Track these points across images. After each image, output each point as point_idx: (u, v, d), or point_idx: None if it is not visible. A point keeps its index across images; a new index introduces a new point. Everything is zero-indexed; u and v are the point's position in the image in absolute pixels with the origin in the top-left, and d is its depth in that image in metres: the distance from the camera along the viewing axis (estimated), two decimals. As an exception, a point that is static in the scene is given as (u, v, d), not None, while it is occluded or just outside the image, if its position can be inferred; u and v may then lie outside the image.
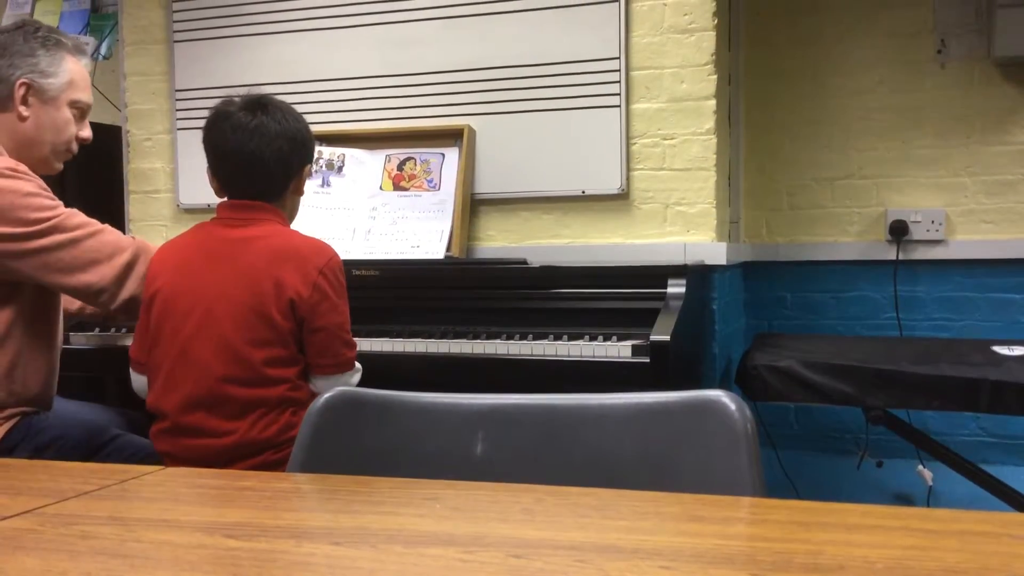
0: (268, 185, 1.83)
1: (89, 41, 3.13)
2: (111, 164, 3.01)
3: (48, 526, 0.81)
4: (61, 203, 1.80)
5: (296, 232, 1.86)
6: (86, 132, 1.95)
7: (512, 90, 2.56)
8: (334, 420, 1.10)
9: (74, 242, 1.76)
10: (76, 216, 1.80)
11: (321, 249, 1.78)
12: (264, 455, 1.72)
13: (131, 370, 1.86)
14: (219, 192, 1.87)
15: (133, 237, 1.87)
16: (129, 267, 1.81)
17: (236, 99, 1.85)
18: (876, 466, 2.92)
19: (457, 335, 2.19)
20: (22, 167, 1.79)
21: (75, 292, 1.82)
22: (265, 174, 1.81)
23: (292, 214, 1.93)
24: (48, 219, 1.75)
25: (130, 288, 1.81)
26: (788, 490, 2.93)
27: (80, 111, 1.93)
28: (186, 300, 1.74)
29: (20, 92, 1.84)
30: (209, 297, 1.73)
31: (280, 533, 0.80)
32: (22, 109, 1.85)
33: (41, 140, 1.88)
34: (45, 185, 1.81)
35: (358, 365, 1.86)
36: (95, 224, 1.82)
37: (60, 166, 1.95)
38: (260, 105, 1.82)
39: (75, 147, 1.95)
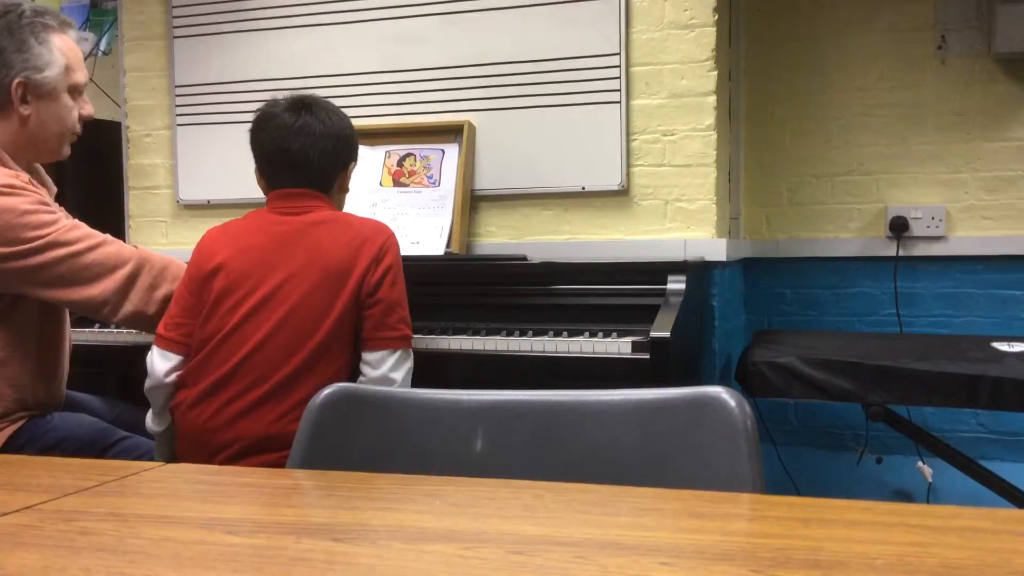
0: (314, 183, 1.88)
1: (88, 36, 3.13)
2: (111, 160, 3.01)
3: (48, 522, 0.81)
4: (61, 215, 1.78)
5: (353, 214, 1.93)
6: (88, 109, 1.91)
7: (512, 86, 2.56)
8: (334, 416, 1.10)
9: (74, 256, 1.75)
10: (76, 229, 1.78)
11: (381, 227, 1.86)
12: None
13: (154, 347, 1.84)
14: (267, 191, 1.93)
15: (135, 247, 1.86)
16: (132, 279, 1.79)
17: (281, 100, 1.91)
18: (876, 462, 2.92)
19: (457, 331, 2.19)
20: (21, 179, 1.77)
21: (78, 306, 1.80)
22: (310, 173, 1.87)
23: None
24: (46, 235, 1.73)
25: (133, 300, 1.79)
26: (788, 486, 2.93)
27: (79, 91, 1.89)
28: (251, 279, 1.77)
29: (18, 93, 1.79)
30: (277, 277, 1.76)
31: (280, 529, 0.80)
32: (22, 109, 1.80)
33: (47, 134, 1.85)
34: (45, 199, 1.79)
35: (410, 360, 1.86)
36: (96, 236, 1.80)
37: (67, 151, 1.92)
38: (304, 105, 1.89)
39: (79, 128, 1.91)
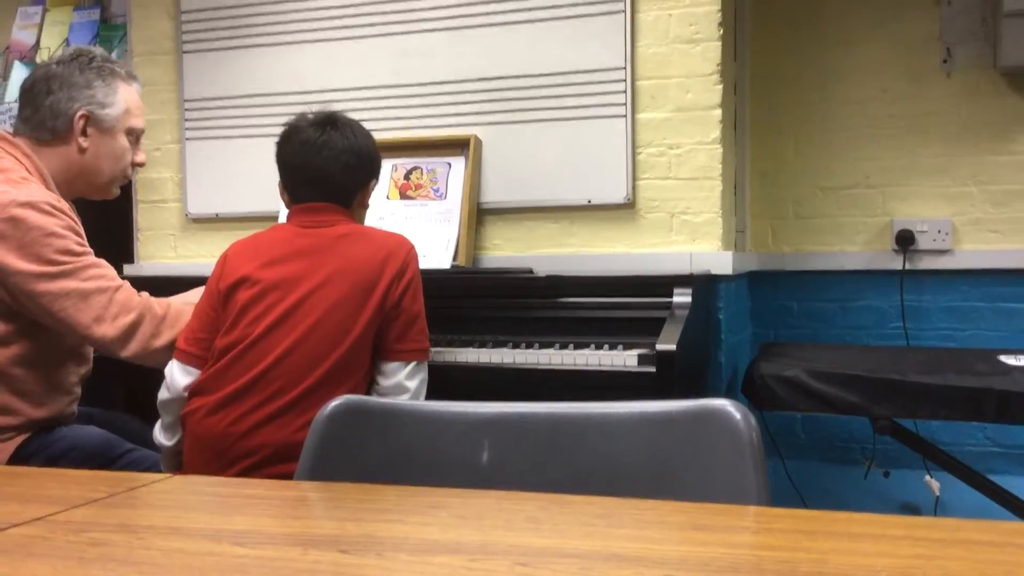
0: (335, 198, 1.91)
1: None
2: (120, 174, 3.03)
3: (58, 533, 0.81)
4: (90, 252, 1.82)
5: (374, 228, 1.97)
6: (141, 157, 2.02)
7: (518, 100, 2.57)
8: (341, 428, 1.11)
9: (82, 295, 1.77)
10: (96, 268, 1.80)
11: (403, 241, 1.89)
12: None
13: (174, 360, 1.85)
14: (289, 204, 1.96)
15: (142, 295, 1.87)
16: (133, 329, 1.81)
17: (308, 115, 1.95)
18: (883, 476, 2.91)
19: (463, 344, 2.19)
20: (63, 205, 1.81)
21: (78, 337, 1.82)
22: (332, 188, 1.91)
23: None
24: (65, 263, 1.75)
25: (133, 348, 1.81)
26: (795, 500, 2.92)
27: (136, 137, 1.98)
28: (278, 291, 1.79)
29: (80, 124, 1.88)
30: (304, 289, 1.78)
31: (287, 541, 0.80)
32: (82, 140, 1.89)
33: (99, 169, 1.93)
34: (80, 230, 1.83)
35: (425, 370, 1.89)
36: (113, 280, 1.82)
37: (117, 192, 2.02)
38: (329, 121, 1.93)
39: (131, 172, 2.01)
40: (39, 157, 1.88)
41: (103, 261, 1.84)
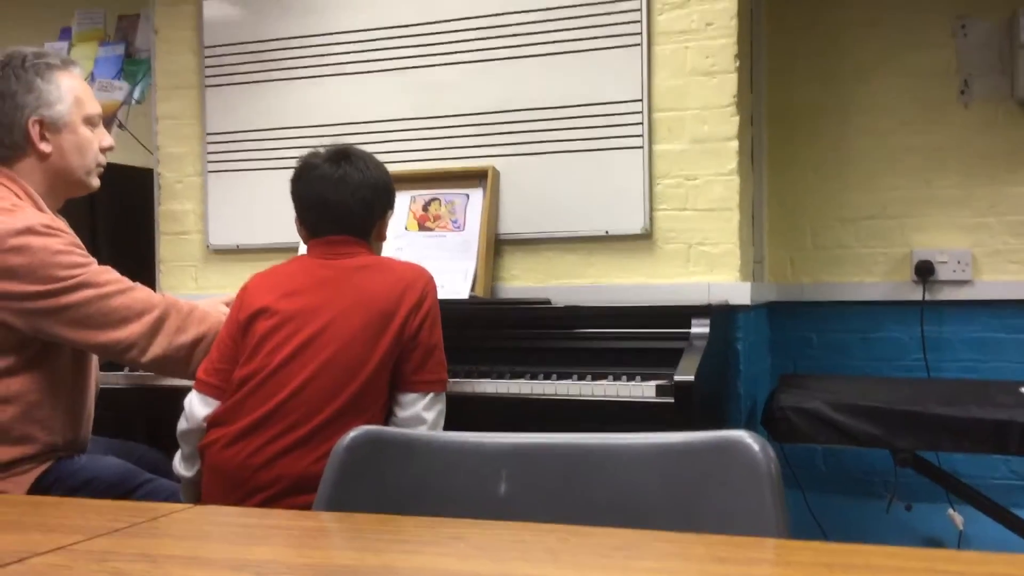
0: (353, 231, 1.93)
1: (123, 86, 3.21)
2: (143, 206, 3.07)
3: (80, 562, 0.82)
4: (94, 260, 1.82)
5: (393, 258, 2.01)
6: (107, 140, 1.96)
7: (536, 132, 2.59)
8: (359, 459, 1.11)
9: (104, 298, 1.77)
10: (107, 273, 1.81)
11: (421, 271, 1.90)
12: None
13: (194, 391, 1.86)
14: (307, 239, 1.98)
15: (163, 294, 1.89)
16: (159, 323, 1.82)
17: (321, 150, 1.97)
18: (905, 509, 2.88)
19: (481, 374, 2.20)
20: (57, 223, 1.81)
21: (104, 350, 1.83)
22: (350, 221, 1.92)
23: None
24: (78, 275, 1.76)
25: (160, 344, 1.82)
26: (816, 533, 2.89)
27: (94, 123, 1.93)
28: (296, 321, 1.80)
29: (35, 131, 1.84)
30: (322, 320, 1.79)
31: (306, 571, 0.80)
32: (43, 146, 1.85)
33: (69, 167, 1.89)
34: (79, 242, 1.83)
35: (443, 402, 1.90)
36: (126, 281, 1.83)
37: (97, 182, 1.96)
38: (344, 155, 1.95)
39: (103, 159, 1.96)
40: (16, 174, 1.84)
41: (110, 267, 1.84)
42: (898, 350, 2.96)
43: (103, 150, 1.96)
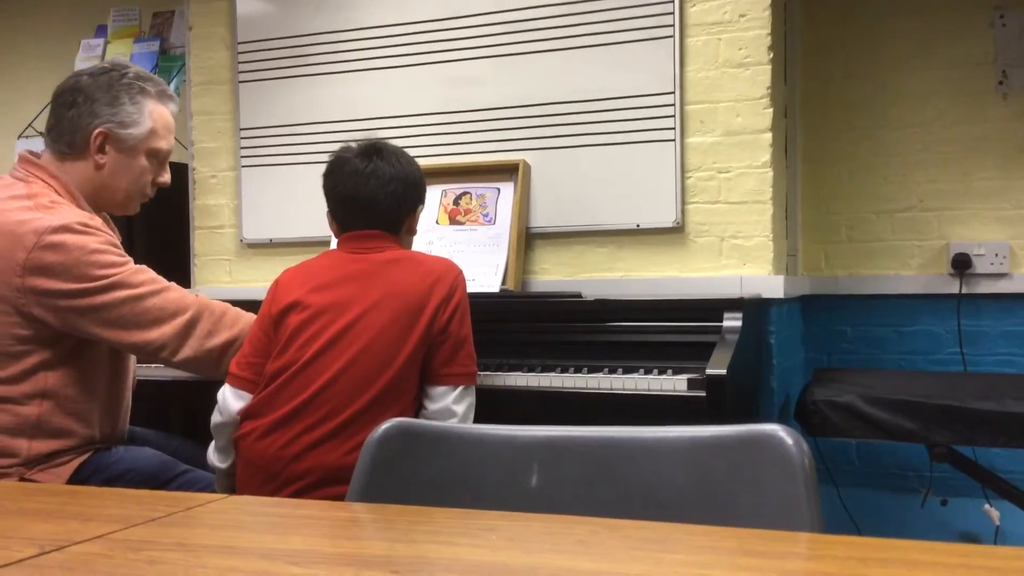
0: (384, 226, 1.94)
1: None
2: (178, 200, 3.10)
3: (117, 551, 0.83)
4: (130, 260, 1.83)
5: (422, 252, 2.01)
6: (165, 178, 1.98)
7: (567, 125, 2.58)
8: (392, 451, 1.12)
9: (137, 299, 1.79)
10: (142, 273, 1.82)
11: (451, 265, 1.92)
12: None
13: (227, 385, 1.88)
14: (338, 234, 1.99)
15: (197, 296, 1.91)
16: (191, 326, 1.84)
17: (353, 145, 1.98)
18: (941, 504, 2.84)
19: (512, 368, 2.20)
20: (95, 222, 1.83)
21: (135, 349, 1.85)
22: (380, 215, 1.94)
23: None
24: (113, 275, 1.77)
25: (191, 346, 1.83)
26: (850, 528, 2.87)
27: (159, 159, 1.95)
28: (328, 315, 1.82)
29: (97, 141, 1.86)
30: (353, 313, 1.81)
31: (340, 561, 0.81)
32: (98, 157, 1.87)
33: (116, 186, 1.91)
34: (116, 241, 1.85)
35: (473, 394, 1.90)
36: (161, 282, 1.84)
37: (137, 208, 1.99)
38: (375, 150, 1.96)
39: (151, 191, 1.98)
40: (63, 172, 1.87)
41: (144, 266, 1.85)
42: (934, 344, 2.93)
43: (156, 184, 1.98)
